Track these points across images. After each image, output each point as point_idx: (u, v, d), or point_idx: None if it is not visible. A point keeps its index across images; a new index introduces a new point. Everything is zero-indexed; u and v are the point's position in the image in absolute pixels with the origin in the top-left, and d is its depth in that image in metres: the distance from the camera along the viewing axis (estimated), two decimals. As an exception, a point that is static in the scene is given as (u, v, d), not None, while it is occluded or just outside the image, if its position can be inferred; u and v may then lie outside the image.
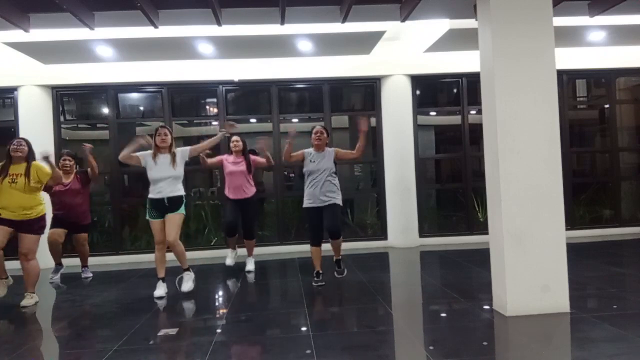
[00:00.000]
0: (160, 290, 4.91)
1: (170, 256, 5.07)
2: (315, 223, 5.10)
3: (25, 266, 4.78)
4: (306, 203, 5.10)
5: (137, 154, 4.91)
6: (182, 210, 4.95)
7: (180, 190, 4.93)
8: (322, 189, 5.00)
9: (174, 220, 4.87)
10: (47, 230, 5.91)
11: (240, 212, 5.93)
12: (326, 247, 5.27)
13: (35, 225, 4.79)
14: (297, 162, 5.25)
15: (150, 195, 4.87)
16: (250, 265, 6.16)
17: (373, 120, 7.80)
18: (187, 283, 4.99)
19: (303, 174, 5.21)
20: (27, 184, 4.70)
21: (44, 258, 6.61)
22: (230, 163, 5.87)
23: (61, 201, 5.84)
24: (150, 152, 4.92)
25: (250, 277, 5.89)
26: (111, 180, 7.36)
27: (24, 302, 4.77)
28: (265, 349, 3.39)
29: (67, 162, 5.88)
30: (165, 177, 4.83)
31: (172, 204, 4.86)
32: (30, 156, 4.82)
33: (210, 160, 5.84)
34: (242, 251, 6.32)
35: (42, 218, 4.89)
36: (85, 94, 7.69)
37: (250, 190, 5.93)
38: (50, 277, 6.01)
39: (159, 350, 3.50)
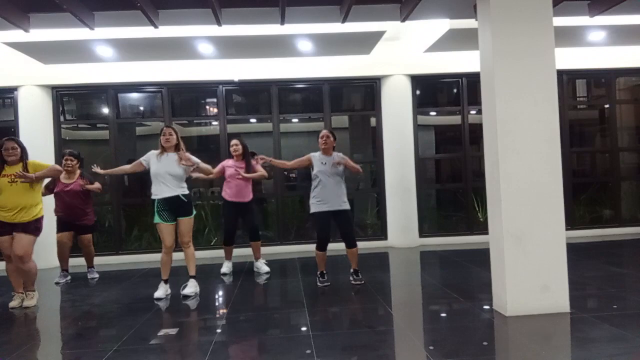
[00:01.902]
0: (161, 291, 4.89)
1: (174, 256, 5.07)
2: (325, 229, 5.01)
3: (23, 268, 4.70)
4: (317, 207, 4.99)
5: (140, 160, 4.90)
6: (193, 211, 4.99)
7: (186, 190, 4.95)
8: (334, 191, 4.96)
9: (187, 224, 4.90)
10: (45, 233, 5.95)
11: (239, 217, 5.93)
12: (331, 247, 5.27)
13: (31, 226, 4.70)
14: (303, 168, 5.22)
15: (159, 196, 4.79)
16: (264, 267, 6.05)
17: (373, 120, 7.82)
18: (190, 288, 4.95)
19: (311, 177, 5.13)
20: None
21: (46, 258, 6.63)
22: (232, 167, 5.84)
23: (63, 201, 5.83)
24: (154, 152, 4.89)
25: (248, 275, 5.89)
26: (111, 180, 7.35)
27: (26, 303, 4.74)
28: (265, 349, 3.39)
29: (70, 161, 5.84)
30: (170, 172, 4.77)
31: (184, 205, 4.85)
32: (24, 156, 4.74)
33: (215, 171, 5.71)
34: (238, 252, 6.33)
35: (39, 220, 4.79)
36: (85, 94, 7.69)
37: (247, 192, 5.91)
38: (55, 280, 5.98)
39: (159, 350, 3.50)
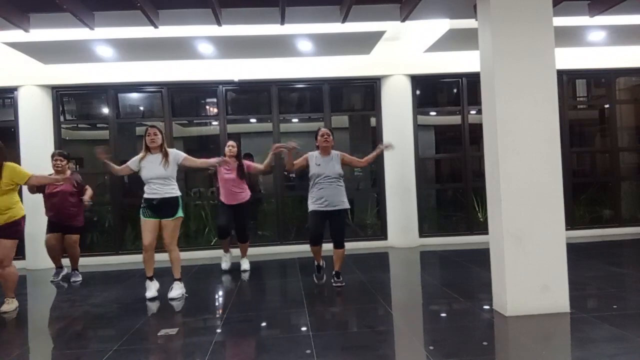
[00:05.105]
0: (151, 290, 4.87)
1: (162, 257, 5.06)
2: (318, 227, 4.96)
3: (2, 273, 4.59)
4: (314, 206, 4.94)
5: (127, 164, 4.88)
6: (180, 213, 4.87)
7: (174, 192, 4.83)
8: (332, 191, 4.90)
9: (171, 226, 4.81)
10: (41, 234, 5.91)
11: (232, 215, 5.93)
12: (326, 247, 5.26)
13: (9, 230, 4.54)
14: (301, 169, 5.13)
15: (145, 195, 4.81)
16: (245, 265, 6.20)
17: (373, 120, 7.81)
18: (176, 291, 4.87)
19: (308, 178, 5.08)
20: None
21: (45, 258, 6.61)
22: (224, 169, 5.80)
23: (52, 203, 5.74)
24: (140, 155, 4.86)
25: (246, 276, 5.89)
26: (111, 180, 7.36)
27: (4, 308, 4.62)
28: (265, 349, 3.39)
29: (59, 162, 5.73)
30: (156, 176, 4.74)
31: (167, 206, 4.77)
32: (1, 157, 4.56)
33: (205, 161, 5.72)
34: (236, 252, 6.32)
35: (18, 222, 4.62)
36: (85, 94, 7.69)
37: (242, 196, 5.91)
38: (51, 279, 5.96)
39: (159, 350, 3.50)
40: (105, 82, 7.13)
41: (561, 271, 3.86)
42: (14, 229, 4.61)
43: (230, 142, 5.95)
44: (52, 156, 5.85)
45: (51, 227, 5.85)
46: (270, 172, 6.48)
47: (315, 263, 5.21)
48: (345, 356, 3.21)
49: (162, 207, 4.78)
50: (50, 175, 5.76)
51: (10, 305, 4.68)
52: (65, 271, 6.08)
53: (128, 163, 4.90)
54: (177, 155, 4.91)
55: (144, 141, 4.84)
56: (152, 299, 4.81)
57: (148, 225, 4.78)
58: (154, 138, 4.80)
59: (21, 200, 4.80)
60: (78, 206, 5.92)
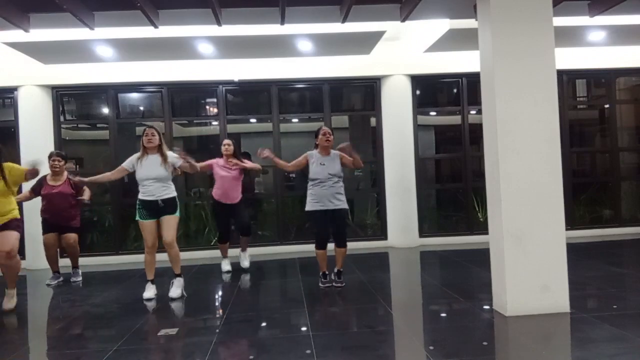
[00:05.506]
0: (150, 292, 4.86)
1: (161, 257, 5.06)
2: (322, 227, 4.94)
3: (10, 264, 4.59)
4: (312, 205, 4.92)
5: (121, 166, 4.88)
6: (178, 212, 4.91)
7: (172, 192, 4.86)
8: (332, 190, 4.89)
9: (170, 222, 4.82)
10: (39, 233, 5.90)
11: (230, 216, 5.92)
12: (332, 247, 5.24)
13: (13, 224, 4.62)
14: (301, 168, 5.12)
15: (142, 197, 4.78)
16: (245, 262, 6.16)
17: (373, 120, 7.81)
18: (177, 290, 4.88)
19: (307, 177, 5.07)
20: (4, 186, 4.51)
21: (40, 258, 6.59)
22: (221, 167, 5.80)
23: (50, 204, 5.70)
24: (137, 155, 4.86)
25: (246, 275, 5.89)
26: (111, 181, 7.34)
27: (8, 305, 4.61)
28: (265, 349, 3.39)
29: (57, 162, 5.71)
30: (154, 177, 4.73)
31: (167, 205, 4.79)
32: (1, 158, 4.56)
33: (200, 165, 5.66)
34: (234, 252, 6.30)
35: (18, 219, 4.72)
36: (85, 94, 7.69)
37: (236, 195, 5.87)
38: (46, 282, 5.88)
39: (159, 350, 3.50)
40: (105, 82, 7.13)
41: (561, 271, 3.86)
42: (16, 224, 4.71)
43: (226, 141, 5.90)
44: (50, 156, 5.79)
45: (48, 227, 5.81)
46: (265, 172, 6.42)
47: (321, 272, 5.13)
48: (345, 356, 3.21)
49: (165, 207, 4.79)
50: (46, 175, 5.78)
51: (12, 301, 4.68)
52: (61, 278, 5.96)
53: (123, 165, 4.88)
54: (175, 160, 4.86)
55: (141, 142, 4.84)
56: (149, 299, 4.81)
57: (148, 226, 4.80)
58: (151, 138, 4.79)
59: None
60: (76, 207, 5.90)
